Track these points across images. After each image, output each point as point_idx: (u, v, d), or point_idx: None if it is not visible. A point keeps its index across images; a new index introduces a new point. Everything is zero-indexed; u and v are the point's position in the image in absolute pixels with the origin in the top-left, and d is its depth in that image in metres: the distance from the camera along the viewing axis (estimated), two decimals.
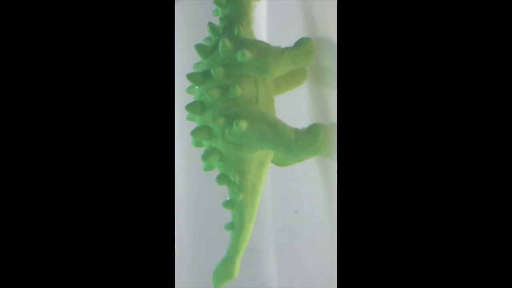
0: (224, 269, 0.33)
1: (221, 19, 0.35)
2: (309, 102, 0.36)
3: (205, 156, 0.33)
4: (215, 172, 0.34)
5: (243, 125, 0.31)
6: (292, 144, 0.32)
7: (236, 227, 0.34)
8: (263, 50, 0.33)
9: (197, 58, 0.35)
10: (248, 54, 0.32)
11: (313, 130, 0.32)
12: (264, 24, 0.46)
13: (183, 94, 0.35)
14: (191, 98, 0.34)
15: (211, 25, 0.35)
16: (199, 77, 0.33)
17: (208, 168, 0.34)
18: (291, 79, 0.36)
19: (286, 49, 0.33)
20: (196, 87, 0.34)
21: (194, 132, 0.33)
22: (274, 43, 0.34)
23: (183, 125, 0.36)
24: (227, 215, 0.34)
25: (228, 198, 0.34)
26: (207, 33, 0.35)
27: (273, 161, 0.35)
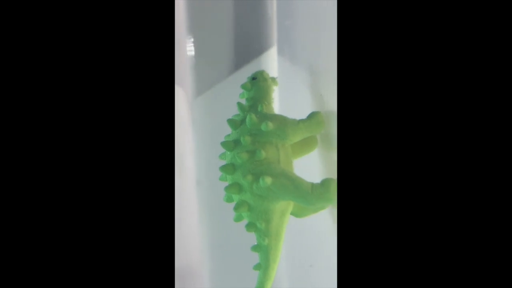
0: None
1: (247, 99, 0.44)
2: (320, 163, 0.44)
3: (236, 208, 0.40)
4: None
5: (268, 180, 0.39)
6: (309, 194, 0.39)
7: (263, 266, 0.40)
8: (283, 121, 0.41)
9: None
10: (270, 125, 0.40)
11: (325, 183, 0.39)
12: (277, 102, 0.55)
13: None
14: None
15: (239, 104, 0.43)
16: (230, 145, 0.41)
17: (238, 218, 0.41)
18: (305, 146, 0.44)
19: (301, 120, 0.41)
20: (228, 152, 0.42)
21: (227, 188, 0.40)
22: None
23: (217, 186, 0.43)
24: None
25: (255, 243, 0.40)
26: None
27: (292, 213, 0.42)
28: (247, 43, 0.74)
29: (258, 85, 0.44)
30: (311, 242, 0.50)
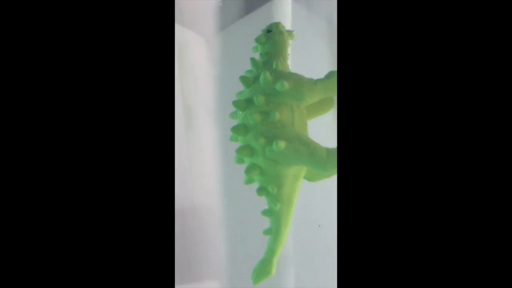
0: (263, 268, 0.38)
1: (261, 54, 0.41)
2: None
3: (247, 171, 0.39)
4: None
5: (282, 144, 0.37)
6: (324, 160, 0.37)
7: (274, 232, 0.39)
8: (299, 81, 0.38)
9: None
10: (286, 85, 0.38)
11: None
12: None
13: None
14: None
15: (253, 60, 0.41)
16: (243, 104, 0.39)
17: (249, 181, 0.40)
18: (320, 106, 0.41)
19: (318, 80, 0.39)
20: (240, 112, 0.40)
21: (239, 150, 0.39)
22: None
23: (226, 144, 0.41)
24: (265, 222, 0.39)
25: (267, 207, 0.39)
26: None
27: (305, 177, 0.40)
28: None
29: (274, 39, 0.41)
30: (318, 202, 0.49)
